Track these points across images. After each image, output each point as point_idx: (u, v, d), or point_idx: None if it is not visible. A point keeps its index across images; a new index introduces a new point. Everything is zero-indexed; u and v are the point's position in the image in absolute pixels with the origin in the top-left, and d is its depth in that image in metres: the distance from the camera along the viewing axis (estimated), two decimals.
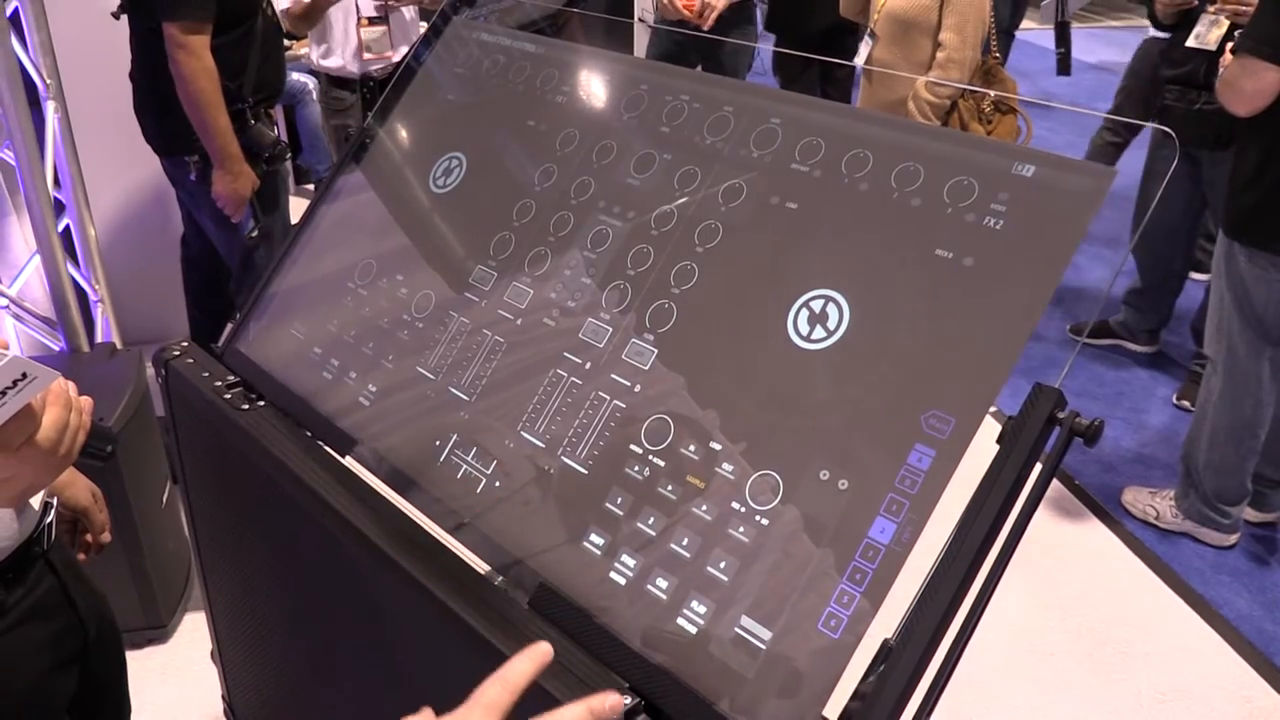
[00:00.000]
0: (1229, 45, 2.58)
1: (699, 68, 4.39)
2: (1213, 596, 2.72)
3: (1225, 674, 2.46)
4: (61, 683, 1.27)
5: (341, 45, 3.64)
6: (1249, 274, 2.56)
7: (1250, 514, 2.97)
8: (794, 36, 4.58)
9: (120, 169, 3.38)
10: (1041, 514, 2.98)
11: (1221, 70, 2.55)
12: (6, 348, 0.74)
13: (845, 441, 0.87)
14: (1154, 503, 3.01)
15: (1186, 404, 3.56)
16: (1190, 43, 3.16)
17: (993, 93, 3.16)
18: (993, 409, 0.80)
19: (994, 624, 2.54)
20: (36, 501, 1.21)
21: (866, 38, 3.39)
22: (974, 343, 0.84)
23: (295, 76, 4.91)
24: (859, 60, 3.40)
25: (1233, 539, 2.90)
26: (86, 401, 0.93)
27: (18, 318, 2.57)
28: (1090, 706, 2.36)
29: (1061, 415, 0.78)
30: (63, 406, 0.85)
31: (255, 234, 2.74)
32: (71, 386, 0.89)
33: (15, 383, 0.73)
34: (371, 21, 3.61)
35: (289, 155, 2.86)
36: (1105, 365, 3.91)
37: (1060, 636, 2.57)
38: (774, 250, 0.99)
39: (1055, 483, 3.18)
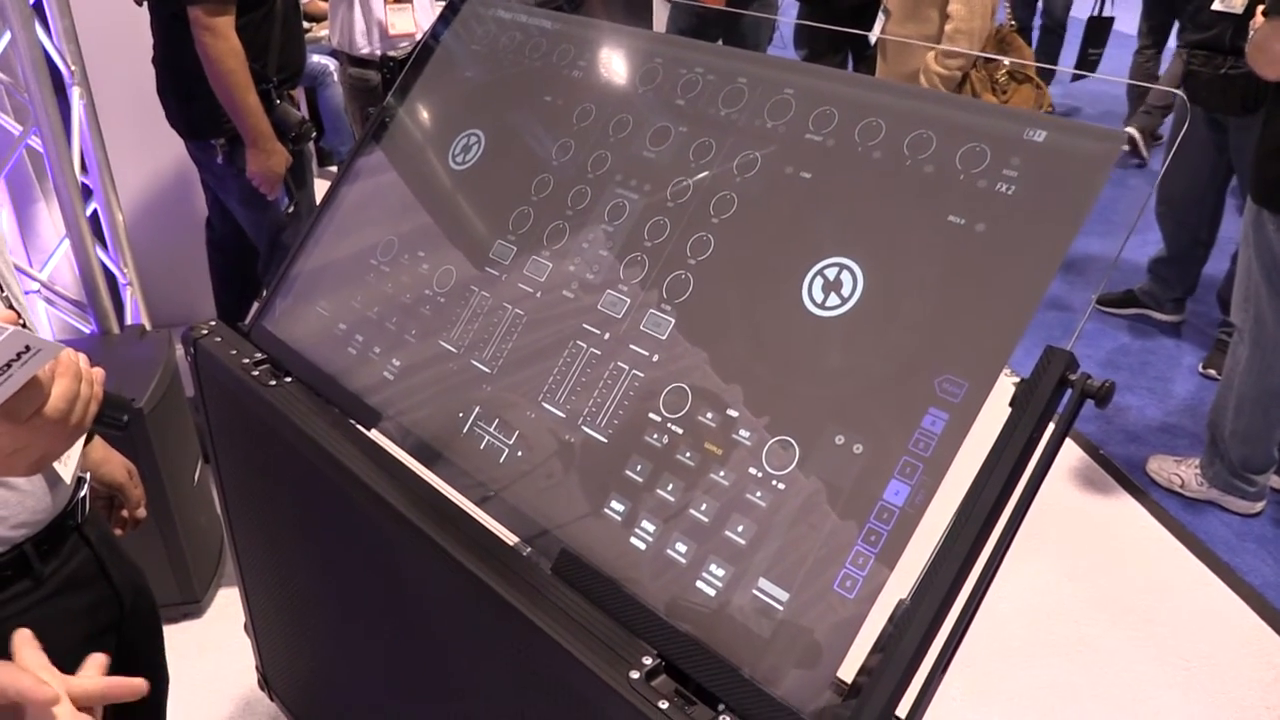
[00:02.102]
0: (1260, 8, 2.54)
1: (720, 42, 4.38)
2: (1238, 564, 2.71)
3: (1250, 640, 2.46)
4: (97, 651, 1.30)
5: (366, 24, 3.65)
6: (1278, 242, 2.54)
7: (1276, 481, 2.95)
8: (825, 9, 4.54)
9: (144, 154, 3.41)
10: (1066, 483, 3.00)
11: (1252, 33, 2.52)
12: (18, 322, 0.76)
13: (860, 406, 0.88)
14: (1179, 471, 3.00)
15: (1213, 373, 3.53)
16: (1216, 6, 3.12)
17: (1007, 60, 3.14)
18: (1010, 374, 0.81)
19: (1018, 591, 2.55)
20: (69, 476, 1.24)
21: (880, 13, 3.38)
22: (986, 308, 0.85)
23: (315, 58, 4.94)
24: (873, 36, 3.39)
25: (1258, 507, 2.89)
26: (98, 373, 0.94)
27: (49, 301, 2.62)
28: (1114, 673, 2.37)
29: (1073, 377, 0.79)
30: (72, 378, 0.87)
31: (292, 210, 2.77)
32: (83, 358, 0.91)
33: (19, 355, 0.75)
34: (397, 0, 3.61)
35: (314, 135, 2.88)
36: (1131, 335, 3.89)
37: (1084, 604, 2.58)
38: (788, 220, 1.00)
39: (1080, 452, 3.18)
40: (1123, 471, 3.11)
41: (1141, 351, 3.79)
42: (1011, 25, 3.24)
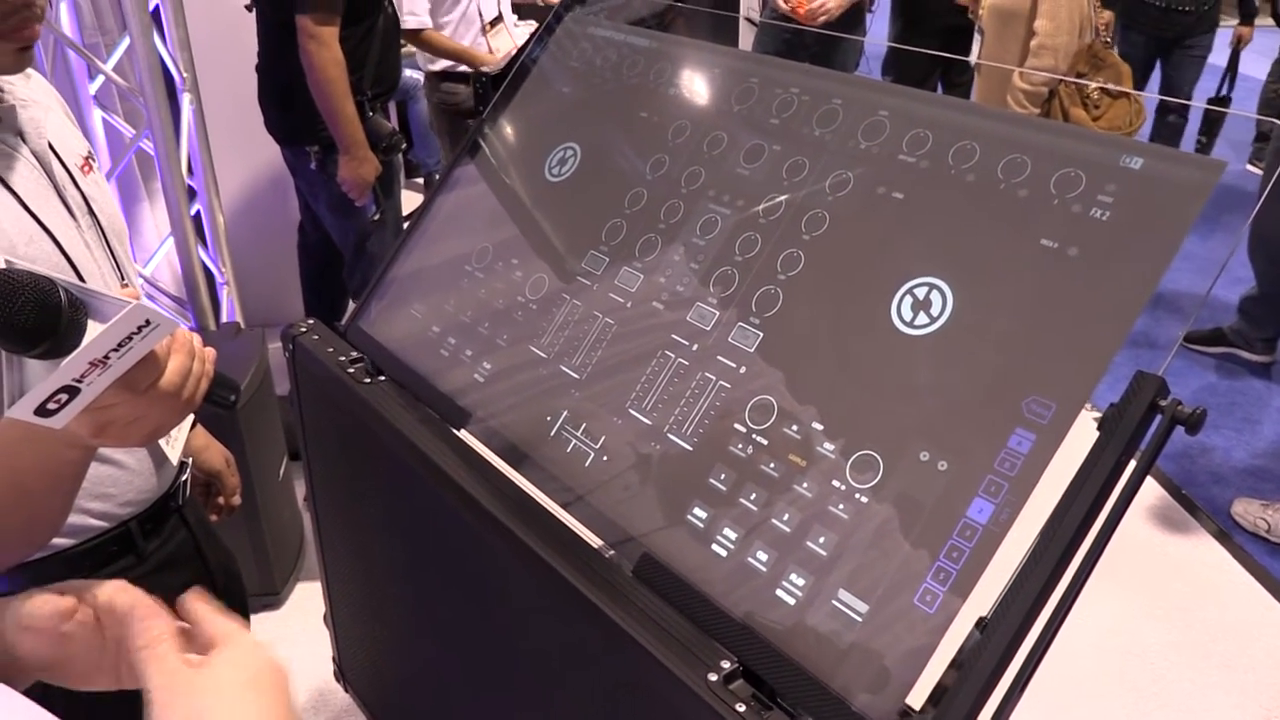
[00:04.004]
0: None
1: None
2: None
3: None
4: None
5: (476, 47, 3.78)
6: None
7: None
8: (920, 31, 4.51)
9: (243, 159, 3.54)
10: (1148, 523, 2.94)
11: None
12: (138, 298, 0.81)
13: (946, 424, 0.89)
14: (1266, 515, 2.92)
15: None
16: None
17: (1092, 84, 3.11)
18: (1091, 409, 0.81)
19: (1095, 625, 2.51)
20: (175, 458, 1.31)
21: (976, 34, 3.39)
22: (1077, 331, 0.86)
23: (408, 73, 5.07)
24: (971, 58, 3.40)
25: None
26: (210, 352, 0.98)
27: (151, 297, 2.73)
28: (1191, 715, 2.32)
29: (1163, 403, 0.79)
30: (186, 354, 0.91)
31: (377, 217, 2.85)
32: (197, 338, 0.95)
33: (140, 329, 0.80)
34: (492, 24, 3.71)
35: (403, 147, 2.96)
36: (1219, 374, 3.80)
37: (1163, 644, 2.52)
38: (879, 239, 1.02)
39: (1162, 491, 3.11)
40: (1206, 513, 3.04)
41: (1229, 391, 3.69)
42: (1105, 42, 3.20)
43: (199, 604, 0.75)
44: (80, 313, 0.78)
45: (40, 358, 0.77)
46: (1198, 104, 5.35)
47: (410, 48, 5.05)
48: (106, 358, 0.78)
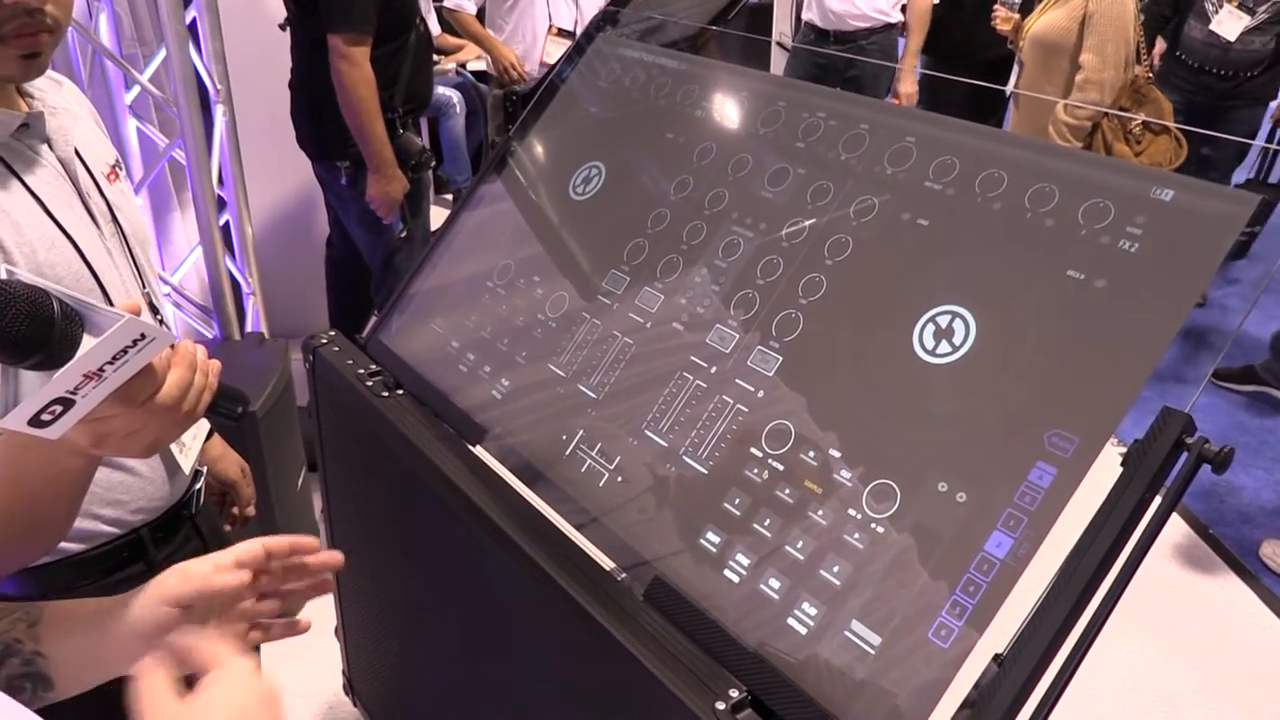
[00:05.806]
0: None
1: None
2: None
3: None
4: None
5: (530, 50, 3.84)
6: None
7: None
8: (955, 64, 4.47)
9: (274, 172, 3.57)
10: (1173, 563, 2.89)
11: None
12: (137, 312, 0.80)
13: (965, 455, 0.88)
14: None
15: None
16: None
17: (1139, 117, 3.07)
18: (1117, 443, 0.79)
19: (1115, 666, 2.46)
20: (188, 467, 1.31)
21: (1015, 65, 3.37)
22: (1102, 365, 0.84)
23: (440, 90, 5.11)
24: (1008, 89, 3.37)
25: None
26: (214, 365, 0.97)
27: (177, 305, 2.74)
28: None
29: (1190, 440, 0.77)
30: (187, 367, 0.90)
31: (404, 235, 2.87)
32: (201, 350, 0.94)
33: (135, 342, 0.79)
34: (561, 33, 3.76)
35: (433, 163, 2.98)
36: (1249, 412, 3.74)
37: (1184, 688, 2.47)
38: (903, 265, 1.00)
39: (1187, 530, 3.06)
40: (1233, 554, 2.98)
41: (1259, 430, 3.63)
42: (1148, 77, 3.16)
43: (188, 635, 0.75)
44: (74, 325, 0.78)
45: (34, 369, 0.77)
46: (1254, 141, 5.24)
47: (442, 64, 5.10)
48: (101, 370, 0.78)
